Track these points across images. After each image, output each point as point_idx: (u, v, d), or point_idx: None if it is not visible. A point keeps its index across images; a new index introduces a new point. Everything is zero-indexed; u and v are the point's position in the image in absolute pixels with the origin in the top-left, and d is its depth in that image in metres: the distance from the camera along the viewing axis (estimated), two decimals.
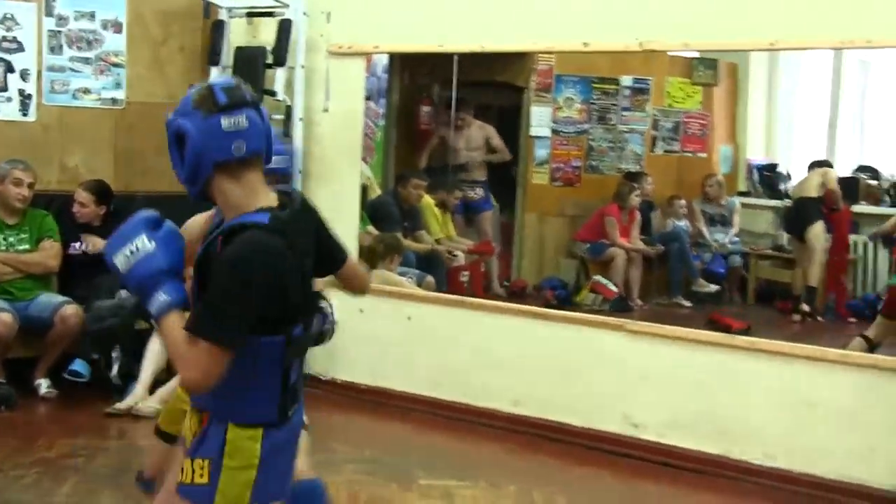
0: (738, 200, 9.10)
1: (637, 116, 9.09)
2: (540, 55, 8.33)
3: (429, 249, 7.69)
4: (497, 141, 8.64)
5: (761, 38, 5.35)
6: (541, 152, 8.91)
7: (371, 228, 7.18)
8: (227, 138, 2.53)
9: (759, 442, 5.22)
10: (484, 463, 5.40)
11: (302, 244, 2.62)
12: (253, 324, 2.49)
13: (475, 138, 8.59)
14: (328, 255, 2.81)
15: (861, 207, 8.70)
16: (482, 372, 6.07)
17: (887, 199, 8.67)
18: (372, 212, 7.36)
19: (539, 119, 8.84)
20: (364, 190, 7.03)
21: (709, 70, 9.29)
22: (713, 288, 8.64)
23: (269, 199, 2.60)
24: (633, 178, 8.77)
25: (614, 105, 9.06)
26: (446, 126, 8.52)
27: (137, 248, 2.53)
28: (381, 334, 6.37)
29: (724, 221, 8.97)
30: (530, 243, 8.92)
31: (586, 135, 9.02)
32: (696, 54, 8.95)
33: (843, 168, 9.45)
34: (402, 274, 6.96)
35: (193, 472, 2.60)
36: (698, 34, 5.49)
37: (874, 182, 8.99)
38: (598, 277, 8.34)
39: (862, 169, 9.29)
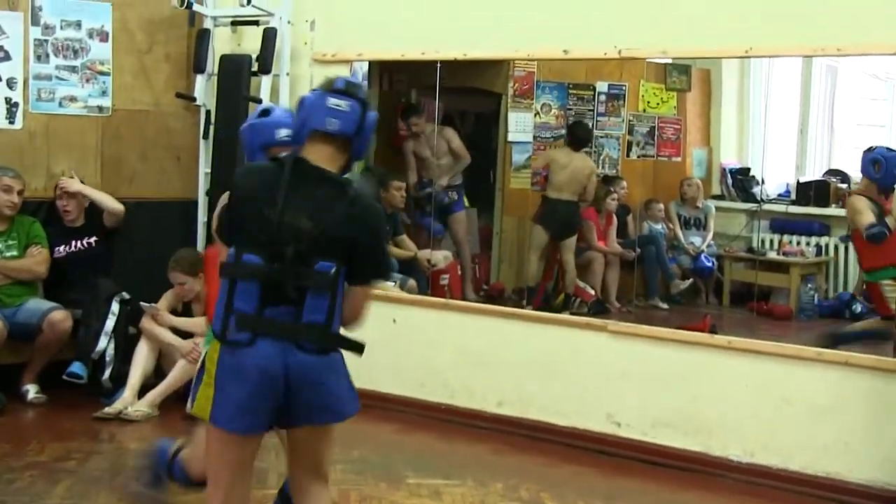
0: (712, 204, 9.23)
1: (613, 122, 9.20)
2: (519, 62, 8.43)
3: (411, 256, 7.75)
4: (457, 143, 8.49)
5: (737, 45, 5.49)
6: (517, 157, 9.01)
7: None
8: (329, 113, 3.11)
9: (739, 438, 5.35)
10: (470, 462, 5.50)
11: (290, 192, 3.06)
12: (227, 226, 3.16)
13: (438, 144, 8.58)
14: (350, 264, 3.12)
15: (831, 210, 8.86)
16: (467, 373, 6.18)
17: None
18: None
19: (517, 125, 8.94)
20: None
21: (682, 76, 9.42)
22: (687, 283, 8.77)
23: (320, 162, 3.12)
24: (609, 182, 8.88)
25: (590, 111, 9.16)
26: (414, 137, 8.53)
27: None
28: (366, 337, 6.42)
29: (698, 224, 9.11)
30: (509, 247, 9.01)
31: (563, 140, 9.13)
32: (670, 60, 9.08)
33: (814, 172, 9.62)
34: None
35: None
36: (676, 42, 5.62)
37: (843, 185, 9.14)
38: (576, 280, 8.45)
39: (831, 172, 9.43)
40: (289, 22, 6.63)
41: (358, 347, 3.24)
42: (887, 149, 6.01)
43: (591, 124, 9.12)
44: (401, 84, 9.00)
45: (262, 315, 3.02)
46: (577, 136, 8.58)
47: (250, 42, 6.77)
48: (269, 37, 6.53)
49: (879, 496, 4.84)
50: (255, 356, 3.01)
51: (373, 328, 6.44)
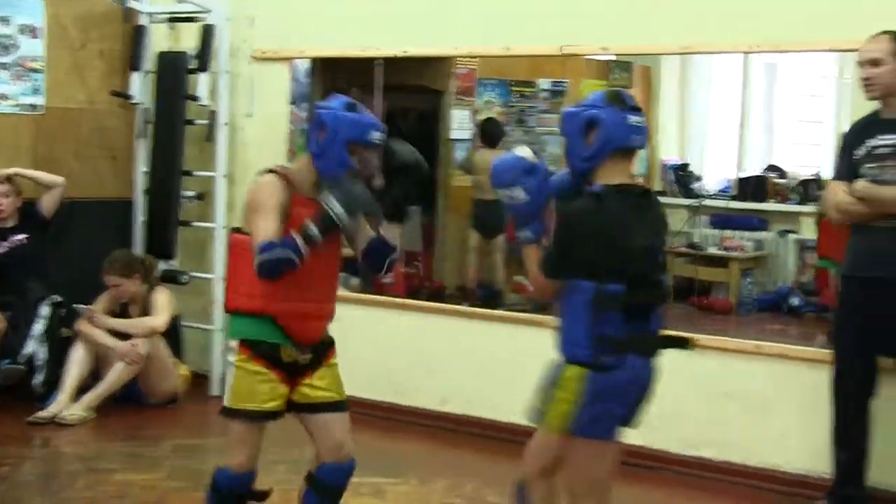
0: None
1: (555, 119, 9.20)
2: (460, 60, 8.42)
3: (352, 255, 7.70)
4: None
5: (676, 42, 5.51)
6: (459, 155, 9.00)
7: None
8: (631, 131, 3.22)
9: (680, 432, 5.37)
10: (413, 460, 5.48)
11: (630, 218, 3.21)
12: (571, 265, 3.16)
13: None
14: None
15: (770, 205, 8.98)
16: (410, 371, 6.15)
17: (795, 196, 8.93)
18: None
19: (458, 122, 8.93)
20: None
21: (623, 73, 9.46)
22: None
23: (624, 180, 3.26)
24: None
25: (532, 108, 9.19)
26: None
27: (513, 196, 3.27)
28: None
29: None
30: (451, 245, 9.00)
31: (506, 137, 9.13)
32: (612, 57, 9.12)
33: (754, 168, 9.73)
34: None
35: (535, 398, 3.33)
36: (616, 39, 5.64)
37: (781, 181, 9.25)
38: (519, 277, 8.45)
39: (770, 168, 9.55)
40: (227, 18, 6.56)
41: (684, 343, 3.41)
42: None
43: (532, 121, 9.14)
44: (343, 82, 8.94)
45: (629, 335, 3.19)
46: (489, 133, 8.62)
47: (188, 38, 6.69)
48: (208, 33, 6.45)
49: (817, 485, 4.88)
50: (629, 371, 3.22)
51: None
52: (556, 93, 9.23)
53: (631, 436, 5.40)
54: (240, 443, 3.71)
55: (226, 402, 3.68)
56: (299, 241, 3.39)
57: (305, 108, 8.30)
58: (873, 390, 4.61)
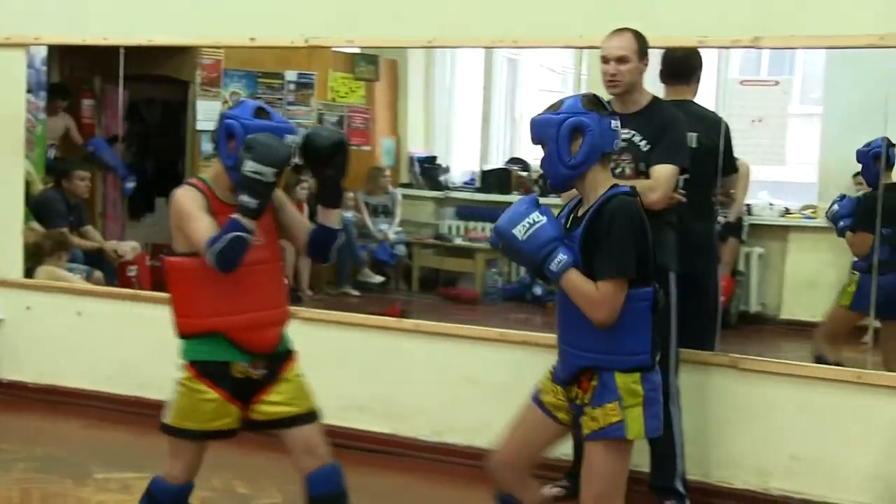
0: (399, 192, 9.48)
1: (303, 111, 9.24)
2: (206, 49, 8.32)
3: (96, 248, 7.51)
4: (74, 133, 8.38)
5: (420, 36, 5.64)
6: (206, 146, 8.89)
7: (35, 225, 6.95)
8: (614, 136, 3.29)
9: (427, 419, 5.53)
10: (160, 454, 5.35)
11: None
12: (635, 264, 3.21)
13: (57, 128, 8.28)
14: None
15: (513, 197, 9.28)
16: (156, 365, 5.97)
17: (536, 189, 9.29)
18: (36, 207, 7.12)
19: (206, 113, 8.81)
20: (27, 185, 6.80)
21: (370, 66, 9.59)
22: (379, 278, 8.98)
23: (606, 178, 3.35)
24: (298, 170, 8.91)
25: (280, 99, 9.17)
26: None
27: (534, 221, 3.22)
28: (50, 331, 6.24)
29: (386, 212, 9.33)
30: None
31: None
32: (358, 50, 9.22)
33: (497, 160, 10.06)
34: (70, 270, 6.81)
35: (607, 415, 3.28)
36: (361, 31, 5.72)
37: (524, 173, 9.60)
38: None
39: (513, 161, 9.90)
40: None
41: None
42: None
43: (282, 113, 9.12)
44: (84, 70, 8.67)
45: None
46: None
47: None
48: None
49: (557, 466, 5.09)
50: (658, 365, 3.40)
51: (56, 322, 6.26)
52: (304, 85, 9.25)
53: (379, 424, 5.59)
54: (176, 456, 3.71)
55: (166, 419, 3.66)
56: (238, 217, 3.34)
57: (43, 98, 8.02)
58: None
